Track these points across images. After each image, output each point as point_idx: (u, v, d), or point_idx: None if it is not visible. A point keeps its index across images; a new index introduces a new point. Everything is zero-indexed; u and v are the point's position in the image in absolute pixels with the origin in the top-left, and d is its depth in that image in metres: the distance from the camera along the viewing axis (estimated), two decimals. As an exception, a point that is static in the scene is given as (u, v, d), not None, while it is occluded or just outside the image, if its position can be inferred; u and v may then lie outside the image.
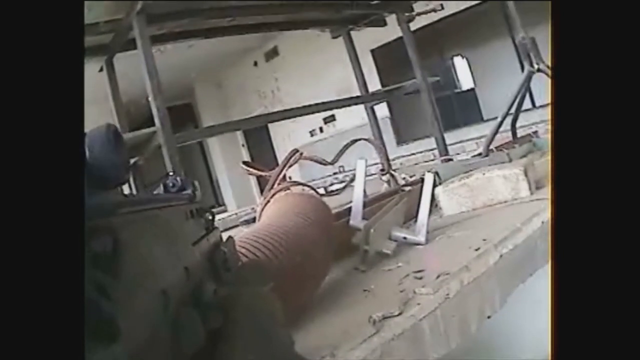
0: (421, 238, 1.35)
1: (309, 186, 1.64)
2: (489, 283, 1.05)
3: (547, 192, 1.46)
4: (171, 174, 0.68)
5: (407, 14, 3.68)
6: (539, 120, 6.37)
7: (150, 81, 2.44)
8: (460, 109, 9.50)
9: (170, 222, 0.47)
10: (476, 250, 1.12)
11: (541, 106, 7.31)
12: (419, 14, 3.83)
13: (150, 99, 2.46)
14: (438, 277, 1.01)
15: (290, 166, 1.69)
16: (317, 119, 9.46)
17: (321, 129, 10.01)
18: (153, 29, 2.62)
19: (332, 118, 9.51)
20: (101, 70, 2.98)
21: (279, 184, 1.57)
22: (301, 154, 1.73)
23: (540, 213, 1.31)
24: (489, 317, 1.02)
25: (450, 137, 5.04)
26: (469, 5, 7.75)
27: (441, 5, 4.10)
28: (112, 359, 0.29)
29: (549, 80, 2.45)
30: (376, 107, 4.08)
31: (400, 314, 0.91)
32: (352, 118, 7.63)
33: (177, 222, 0.50)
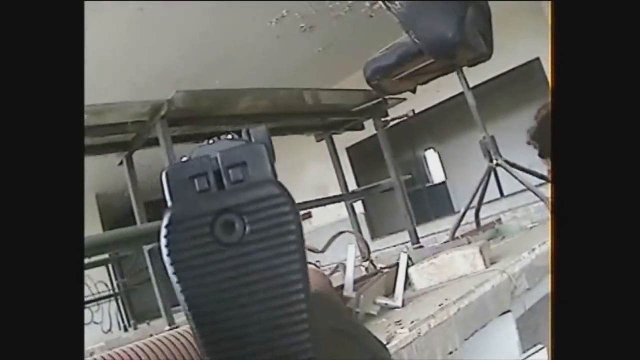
0: (398, 302, 1.67)
1: (312, 264, 1.71)
2: (449, 328, 1.37)
3: (499, 266, 1.82)
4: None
5: (382, 119, 4.08)
6: (506, 209, 6.81)
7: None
8: (432, 202, 9.68)
9: None
10: (439, 305, 1.45)
11: (508, 195, 7.74)
12: (393, 120, 4.24)
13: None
14: (412, 322, 1.32)
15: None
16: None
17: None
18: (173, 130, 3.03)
19: (309, 215, 9.44)
20: (120, 164, 3.30)
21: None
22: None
23: (490, 279, 1.64)
24: (450, 352, 1.33)
25: (422, 229, 5.25)
26: (439, 101, 8.15)
27: (413, 110, 4.44)
28: None
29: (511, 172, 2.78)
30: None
31: (387, 344, 1.19)
32: (327, 215, 7.57)
33: None
